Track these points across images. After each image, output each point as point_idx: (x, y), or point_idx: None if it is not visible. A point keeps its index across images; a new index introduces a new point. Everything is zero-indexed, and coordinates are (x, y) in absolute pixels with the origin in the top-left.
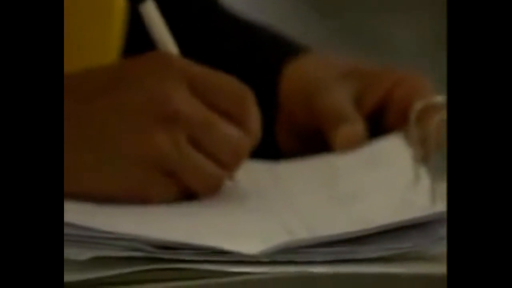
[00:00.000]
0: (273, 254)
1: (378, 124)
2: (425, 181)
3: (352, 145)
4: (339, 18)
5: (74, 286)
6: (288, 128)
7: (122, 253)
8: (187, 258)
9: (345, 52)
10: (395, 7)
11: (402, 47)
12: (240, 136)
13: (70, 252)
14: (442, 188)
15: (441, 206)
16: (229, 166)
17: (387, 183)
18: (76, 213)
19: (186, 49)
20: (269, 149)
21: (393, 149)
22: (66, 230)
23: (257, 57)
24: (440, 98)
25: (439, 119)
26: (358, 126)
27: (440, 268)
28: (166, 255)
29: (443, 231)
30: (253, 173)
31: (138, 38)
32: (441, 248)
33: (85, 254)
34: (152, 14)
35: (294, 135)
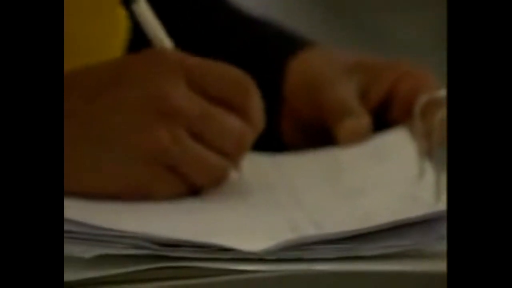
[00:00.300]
0: (278, 252)
1: (383, 118)
2: (430, 175)
3: (357, 139)
4: (347, 16)
5: (77, 284)
6: (292, 121)
7: (126, 251)
8: (190, 256)
9: (351, 47)
10: (401, 5)
11: (407, 44)
12: (242, 126)
13: (74, 250)
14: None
15: (445, 201)
16: (232, 157)
17: (392, 178)
18: (79, 211)
19: (190, 44)
20: (274, 142)
21: (398, 143)
22: (70, 228)
23: (262, 50)
24: (445, 93)
25: (444, 113)
26: (363, 120)
27: (443, 266)
28: (170, 253)
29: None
30: (257, 167)
31: (139, 38)
32: (445, 246)
33: (89, 252)
34: (144, 13)
35: (299, 129)
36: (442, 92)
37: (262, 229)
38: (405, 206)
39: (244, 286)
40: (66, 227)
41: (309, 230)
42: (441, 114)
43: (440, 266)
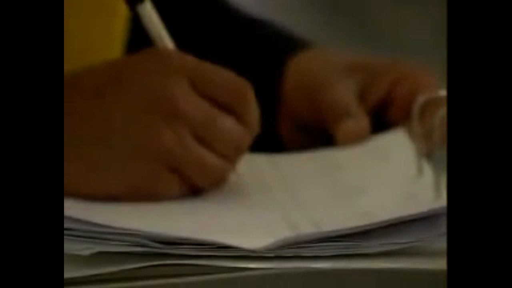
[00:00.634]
0: (277, 249)
1: (382, 119)
2: (428, 175)
3: (356, 139)
4: (345, 14)
5: (76, 282)
6: (291, 122)
7: (126, 249)
8: (190, 253)
9: (349, 47)
10: (400, 4)
11: (407, 43)
12: (239, 129)
13: (73, 247)
14: (445, 182)
15: (445, 200)
16: (231, 159)
17: (390, 177)
18: (79, 209)
19: (190, 44)
20: (273, 143)
21: (396, 144)
22: (69, 225)
23: (261, 51)
24: (444, 92)
25: (443, 113)
26: (361, 121)
27: (443, 264)
28: (170, 251)
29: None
30: (256, 167)
31: (139, 37)
32: (444, 243)
33: (88, 249)
34: (150, 14)
35: (297, 129)
36: (442, 92)
37: (261, 228)
38: (404, 205)
39: (243, 284)
40: (66, 224)
41: (308, 228)
42: (440, 114)
43: (440, 263)
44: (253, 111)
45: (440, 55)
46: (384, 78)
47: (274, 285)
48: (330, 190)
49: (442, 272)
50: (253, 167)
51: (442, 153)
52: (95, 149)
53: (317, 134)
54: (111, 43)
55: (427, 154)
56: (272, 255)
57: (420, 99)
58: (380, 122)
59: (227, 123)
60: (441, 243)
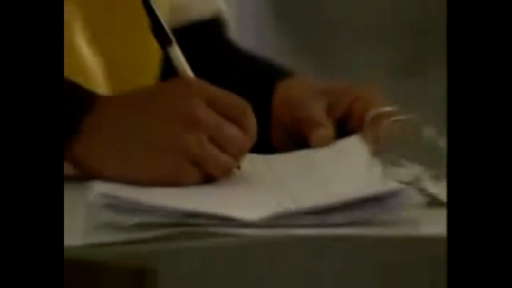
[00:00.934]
0: (269, 220)
1: (343, 128)
2: (378, 169)
3: (325, 143)
4: (315, 45)
5: (124, 243)
6: (279, 131)
7: (160, 220)
8: (206, 223)
9: (319, 74)
10: (356, 38)
11: (361, 71)
12: (243, 136)
13: (120, 219)
14: (392, 172)
15: (390, 185)
16: (236, 157)
17: (351, 171)
18: (122, 191)
19: (206, 73)
20: (266, 146)
21: (354, 146)
22: (114, 202)
23: (257, 79)
24: (389, 108)
25: (387, 123)
26: (329, 130)
27: (391, 231)
28: (191, 221)
29: (393, 203)
30: (253, 163)
31: (168, 69)
32: (392, 216)
33: (133, 219)
34: (176, 53)
35: (284, 136)
36: (386, 108)
37: (257, 205)
38: (361, 189)
39: (244, 246)
40: (112, 201)
41: (292, 206)
42: (385, 124)
43: (389, 231)
44: (252, 123)
45: (386, 81)
46: (345, 98)
47: (269, 247)
48: (308, 179)
49: (390, 238)
50: (252, 163)
51: (387, 153)
52: (136, 148)
53: (299, 140)
54: (149, 72)
55: (376, 153)
56: (265, 224)
57: (371, 113)
58: (342, 130)
59: (233, 131)
60: (389, 216)
